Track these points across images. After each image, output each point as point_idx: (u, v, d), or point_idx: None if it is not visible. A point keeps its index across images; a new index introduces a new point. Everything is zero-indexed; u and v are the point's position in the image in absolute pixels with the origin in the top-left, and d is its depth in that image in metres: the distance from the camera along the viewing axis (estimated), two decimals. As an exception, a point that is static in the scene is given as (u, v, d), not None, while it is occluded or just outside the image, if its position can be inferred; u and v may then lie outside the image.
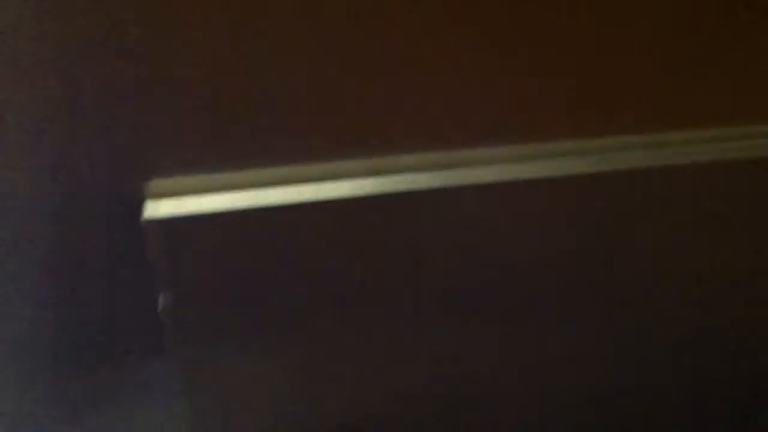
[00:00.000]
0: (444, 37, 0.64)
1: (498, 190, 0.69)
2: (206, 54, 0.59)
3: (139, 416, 0.72)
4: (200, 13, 0.58)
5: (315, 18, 0.60)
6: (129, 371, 0.70)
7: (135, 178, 0.63)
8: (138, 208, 0.63)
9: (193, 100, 0.61)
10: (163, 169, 0.63)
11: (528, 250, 0.74)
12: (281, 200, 0.65)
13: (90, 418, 0.70)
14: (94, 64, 0.57)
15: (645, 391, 0.88)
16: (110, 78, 0.58)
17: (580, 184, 0.71)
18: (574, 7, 0.65)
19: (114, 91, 0.58)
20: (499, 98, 0.68)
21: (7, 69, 0.56)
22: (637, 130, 0.73)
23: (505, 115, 0.69)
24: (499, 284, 0.76)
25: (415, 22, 0.63)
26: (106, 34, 0.56)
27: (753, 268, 0.81)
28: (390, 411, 0.82)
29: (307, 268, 0.69)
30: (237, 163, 0.65)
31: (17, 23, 0.54)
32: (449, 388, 0.82)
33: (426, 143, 0.69)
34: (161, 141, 0.62)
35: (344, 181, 0.68)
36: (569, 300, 0.79)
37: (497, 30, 0.64)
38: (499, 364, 0.81)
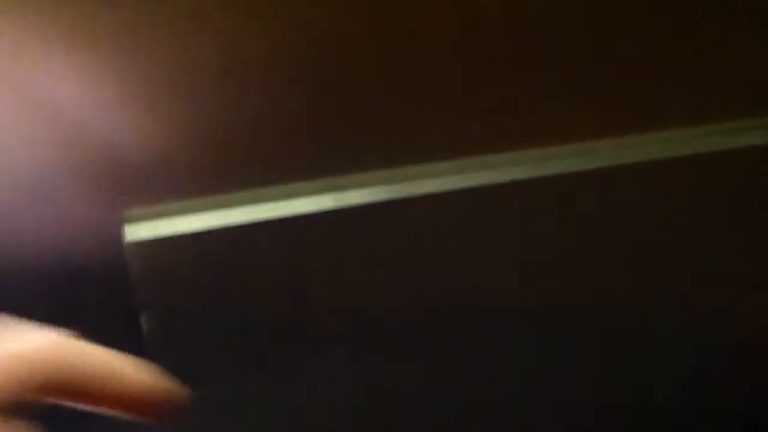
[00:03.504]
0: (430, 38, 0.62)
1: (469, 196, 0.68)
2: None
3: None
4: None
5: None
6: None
7: (114, 206, 0.62)
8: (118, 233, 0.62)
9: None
10: (140, 196, 0.62)
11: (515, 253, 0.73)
12: (260, 217, 0.65)
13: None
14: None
15: (644, 392, 0.87)
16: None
17: (564, 184, 0.70)
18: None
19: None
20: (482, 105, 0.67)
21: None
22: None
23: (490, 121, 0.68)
24: (490, 291, 0.75)
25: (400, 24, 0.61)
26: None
27: (741, 262, 0.79)
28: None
29: (291, 283, 0.68)
30: (215, 188, 0.64)
31: None
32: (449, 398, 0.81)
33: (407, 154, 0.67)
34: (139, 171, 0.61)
35: (328, 194, 0.66)
36: (561, 304, 0.77)
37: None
38: (497, 374, 0.81)
